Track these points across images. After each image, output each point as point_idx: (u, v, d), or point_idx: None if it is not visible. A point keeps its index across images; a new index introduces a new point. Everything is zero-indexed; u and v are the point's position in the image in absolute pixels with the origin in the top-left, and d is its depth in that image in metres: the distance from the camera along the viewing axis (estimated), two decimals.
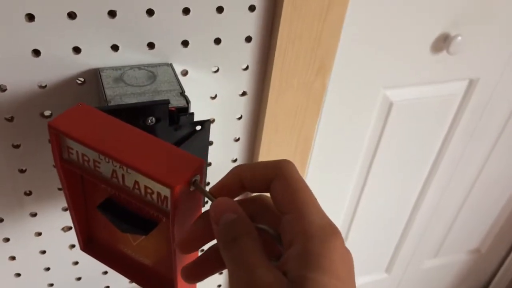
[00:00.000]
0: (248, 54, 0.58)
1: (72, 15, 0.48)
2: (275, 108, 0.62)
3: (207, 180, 0.64)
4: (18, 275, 0.66)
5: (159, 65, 0.54)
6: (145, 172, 0.36)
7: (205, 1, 0.52)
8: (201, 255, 0.36)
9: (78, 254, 0.67)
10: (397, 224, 1.15)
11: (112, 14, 0.49)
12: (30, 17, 0.47)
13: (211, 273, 0.36)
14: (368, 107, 0.85)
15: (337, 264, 0.28)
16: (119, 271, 0.50)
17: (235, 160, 0.68)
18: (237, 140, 0.66)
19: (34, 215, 0.61)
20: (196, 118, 0.58)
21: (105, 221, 0.46)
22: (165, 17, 0.51)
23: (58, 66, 0.50)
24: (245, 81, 0.60)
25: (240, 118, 0.64)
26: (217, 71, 0.58)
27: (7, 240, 0.62)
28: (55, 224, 0.63)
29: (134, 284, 0.76)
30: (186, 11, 0.52)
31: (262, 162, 0.34)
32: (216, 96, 0.60)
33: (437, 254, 1.30)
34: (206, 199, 0.36)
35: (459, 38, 0.79)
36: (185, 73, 0.56)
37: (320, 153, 0.85)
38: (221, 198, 0.33)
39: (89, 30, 0.49)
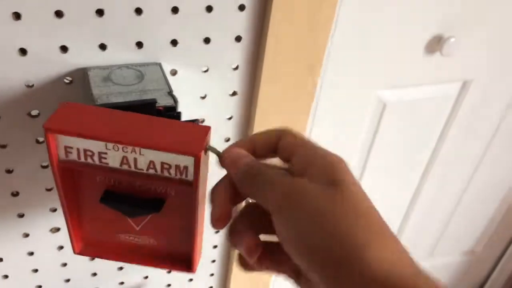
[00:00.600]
0: (238, 53, 0.57)
1: (59, 14, 0.48)
2: (266, 108, 0.61)
3: None
4: (6, 276, 0.65)
5: (148, 64, 0.54)
6: (166, 148, 0.38)
7: (194, 0, 0.51)
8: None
9: (67, 255, 0.66)
10: (391, 225, 1.14)
11: (99, 12, 0.49)
12: (17, 16, 0.46)
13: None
14: (361, 108, 0.85)
15: (348, 176, 0.32)
16: (122, 260, 0.51)
17: None
18: (227, 140, 0.66)
19: (21, 216, 0.60)
20: (185, 118, 0.58)
21: (101, 216, 0.47)
22: (154, 16, 0.51)
23: (45, 65, 0.50)
24: (235, 81, 0.60)
25: (230, 118, 0.63)
26: (206, 70, 0.57)
27: None
28: (43, 225, 0.62)
29: (124, 285, 0.75)
30: (175, 10, 0.51)
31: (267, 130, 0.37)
32: (206, 96, 0.60)
33: (431, 255, 1.30)
34: None
35: (453, 39, 0.79)
36: (174, 72, 0.56)
37: None
38: (231, 149, 0.37)
39: (76, 29, 0.49)
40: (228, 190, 0.36)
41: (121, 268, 0.72)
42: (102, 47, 0.51)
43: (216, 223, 0.36)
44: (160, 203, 0.43)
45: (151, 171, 0.40)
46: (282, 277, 0.37)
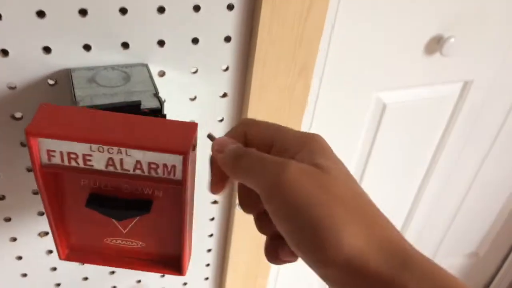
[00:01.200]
0: (228, 54, 0.56)
1: (41, 14, 0.46)
2: (257, 110, 0.60)
3: None
4: None
5: (134, 65, 0.52)
6: (153, 148, 0.38)
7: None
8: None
9: (56, 259, 0.65)
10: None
11: (83, 12, 0.48)
12: None
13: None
14: (361, 109, 0.84)
15: (333, 155, 0.33)
16: (109, 264, 0.50)
17: None
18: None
19: (8, 220, 0.59)
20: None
21: (87, 221, 0.46)
22: (139, 16, 0.49)
23: (28, 66, 0.49)
24: (226, 82, 0.58)
25: (221, 120, 0.62)
26: (196, 72, 0.56)
27: None
28: (31, 229, 0.61)
29: None
30: (161, 9, 0.50)
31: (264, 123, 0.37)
32: (195, 97, 0.58)
33: (434, 257, 1.28)
34: None
35: (452, 39, 0.78)
36: (162, 74, 0.55)
37: None
38: (220, 137, 0.36)
39: (59, 29, 0.48)
40: None
41: (113, 272, 0.71)
42: (87, 47, 0.50)
43: (212, 189, 0.37)
44: (148, 204, 0.43)
45: (138, 171, 0.40)
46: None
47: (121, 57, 0.52)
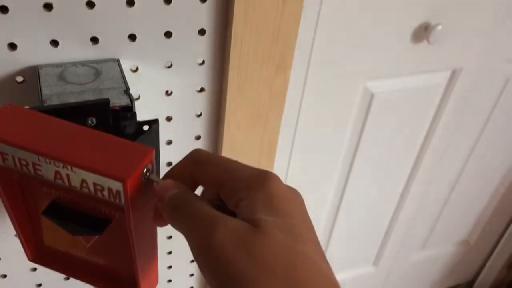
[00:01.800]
0: (202, 48, 0.54)
1: (4, 9, 0.45)
2: (236, 104, 0.59)
3: None
4: None
5: (105, 61, 0.51)
6: (92, 168, 0.34)
7: None
8: None
9: None
10: (383, 217, 1.13)
11: (48, 7, 0.46)
12: None
13: None
14: (349, 99, 0.83)
15: (280, 204, 0.29)
16: (75, 276, 0.48)
17: None
18: (198, 138, 0.63)
19: None
20: (150, 116, 0.55)
21: (53, 226, 0.44)
22: (108, 9, 0.48)
23: None
24: (202, 76, 0.57)
25: (199, 115, 0.60)
26: (170, 66, 0.54)
27: None
28: (8, 230, 0.60)
29: None
30: (130, 2, 0.48)
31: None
32: (171, 93, 0.57)
33: (424, 246, 1.29)
34: None
35: (440, 27, 0.76)
36: (135, 69, 0.53)
37: (302, 147, 0.83)
38: (164, 180, 0.33)
39: (23, 24, 0.46)
40: None
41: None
42: (54, 43, 0.48)
43: (155, 222, 0.36)
44: (104, 224, 0.40)
45: (85, 190, 0.37)
46: None
47: (91, 53, 0.50)
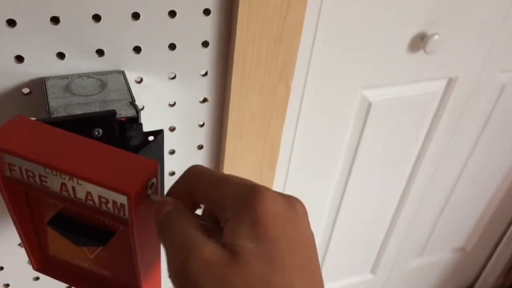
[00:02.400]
0: (206, 59, 0.55)
1: (11, 23, 0.45)
2: (238, 114, 0.59)
3: None
4: None
5: (110, 72, 0.51)
6: (98, 182, 0.35)
7: (156, 5, 0.49)
8: None
9: None
10: (380, 224, 1.13)
11: (55, 20, 0.47)
12: None
13: None
14: (346, 108, 0.83)
15: (266, 227, 0.27)
16: (78, 286, 0.48)
17: None
18: (201, 147, 0.63)
19: None
20: (154, 127, 0.56)
21: (58, 236, 0.44)
22: (113, 23, 0.49)
23: (0, 76, 0.48)
24: (205, 87, 0.57)
25: (202, 125, 0.61)
26: (174, 77, 0.55)
27: None
28: (12, 240, 0.60)
29: None
30: (135, 16, 0.49)
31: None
32: (175, 103, 0.57)
33: (422, 253, 1.29)
34: None
35: (436, 37, 0.77)
36: (140, 80, 0.54)
37: (300, 155, 0.83)
38: (162, 197, 0.33)
39: (31, 37, 0.47)
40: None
41: None
42: (60, 55, 0.49)
43: None
44: (108, 236, 0.40)
45: (90, 202, 0.37)
46: None
47: (96, 65, 0.51)
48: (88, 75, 0.50)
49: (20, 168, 0.38)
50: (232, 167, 0.65)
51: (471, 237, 1.32)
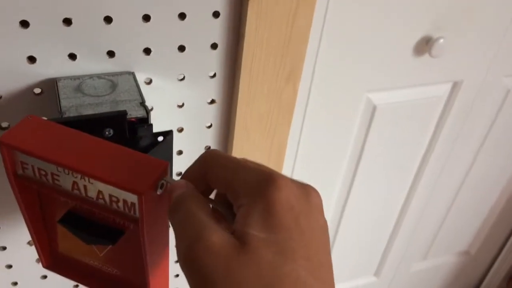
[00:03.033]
0: (214, 61, 0.56)
1: (24, 24, 0.46)
2: (246, 115, 0.60)
3: None
4: None
5: (121, 73, 0.52)
6: (109, 181, 0.35)
7: (166, 7, 0.50)
8: None
9: None
10: (385, 227, 1.13)
11: (67, 22, 0.47)
12: None
13: None
14: (351, 111, 0.84)
15: (279, 216, 0.27)
16: (87, 285, 0.49)
17: None
18: (208, 148, 0.64)
19: None
20: (163, 127, 0.57)
21: (68, 234, 0.45)
22: (124, 25, 0.49)
23: (13, 76, 0.49)
24: (213, 88, 0.58)
25: (210, 126, 0.62)
26: (183, 79, 0.56)
27: None
28: (20, 238, 0.61)
29: None
30: (146, 18, 0.50)
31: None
32: (183, 104, 0.58)
33: (426, 256, 1.29)
34: None
35: (441, 40, 0.78)
36: (149, 81, 0.55)
37: (305, 158, 0.84)
38: (177, 180, 0.33)
39: (43, 38, 0.47)
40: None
41: None
42: (72, 56, 0.50)
43: None
44: (118, 235, 0.40)
45: (101, 201, 0.38)
46: None
47: (107, 66, 0.51)
48: (99, 76, 0.51)
49: (32, 166, 0.39)
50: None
51: (475, 240, 1.32)
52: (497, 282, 1.42)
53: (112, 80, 0.51)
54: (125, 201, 0.37)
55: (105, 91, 0.50)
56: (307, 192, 0.29)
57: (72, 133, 0.40)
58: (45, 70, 0.49)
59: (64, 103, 0.47)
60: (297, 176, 0.86)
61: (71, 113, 0.46)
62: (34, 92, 0.51)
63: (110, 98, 0.49)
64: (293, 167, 0.85)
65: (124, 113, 0.46)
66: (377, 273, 1.25)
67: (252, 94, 0.59)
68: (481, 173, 1.11)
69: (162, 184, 0.35)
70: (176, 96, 0.57)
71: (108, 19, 0.49)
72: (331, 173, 0.92)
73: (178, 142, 0.61)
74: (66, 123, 0.42)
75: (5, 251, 0.61)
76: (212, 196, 0.34)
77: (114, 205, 0.37)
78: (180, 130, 0.60)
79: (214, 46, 0.55)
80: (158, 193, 0.35)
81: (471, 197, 1.17)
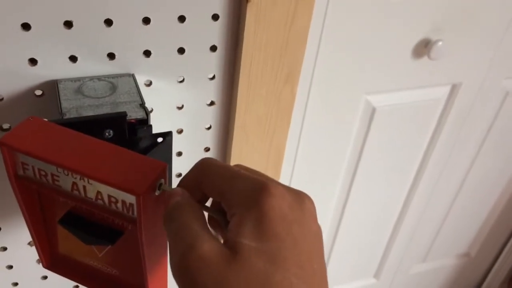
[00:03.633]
0: (214, 63, 0.56)
1: (26, 26, 0.47)
2: (244, 117, 0.60)
3: None
4: None
5: (121, 75, 0.53)
6: (108, 181, 0.36)
7: (166, 10, 0.50)
8: None
9: None
10: (384, 229, 1.14)
11: (68, 24, 0.48)
12: None
13: None
14: (351, 113, 0.84)
15: (271, 225, 0.27)
16: (87, 285, 0.49)
17: None
18: (207, 150, 0.65)
19: None
20: (162, 129, 0.57)
21: (68, 235, 0.45)
22: (125, 27, 0.50)
23: (14, 78, 0.49)
24: (213, 90, 0.59)
25: (209, 128, 0.62)
26: (182, 81, 0.56)
27: None
28: (21, 239, 0.62)
29: None
30: (146, 20, 0.50)
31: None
32: (183, 106, 0.59)
33: (425, 258, 1.29)
34: None
35: (440, 43, 0.78)
36: (149, 83, 0.55)
37: (304, 160, 0.84)
38: (173, 188, 0.33)
39: (44, 41, 0.48)
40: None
41: None
42: (73, 59, 0.50)
43: None
44: (117, 235, 0.41)
45: (100, 202, 0.38)
46: None
47: (107, 68, 0.52)
48: (99, 78, 0.52)
49: (33, 167, 0.40)
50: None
51: (475, 242, 1.32)
52: (496, 284, 1.42)
53: (112, 82, 0.52)
54: (123, 202, 0.37)
55: (105, 93, 0.50)
56: (300, 199, 0.30)
57: (72, 134, 0.40)
58: (46, 72, 0.50)
59: (64, 104, 0.48)
60: (296, 178, 0.87)
61: (72, 115, 0.47)
62: (35, 94, 0.51)
63: (110, 99, 0.49)
64: (292, 169, 0.86)
65: (124, 115, 0.47)
66: (376, 275, 1.25)
67: (251, 96, 0.59)
68: (480, 175, 1.11)
69: (160, 185, 0.35)
70: (176, 98, 0.58)
71: (108, 22, 0.49)
72: (330, 175, 0.92)
73: (177, 144, 0.62)
74: (66, 124, 0.43)
75: (6, 251, 0.62)
76: (208, 203, 0.34)
77: (113, 205, 0.38)
78: (180, 131, 0.61)
79: (213, 48, 0.55)
80: (156, 194, 0.35)
81: (470, 199, 1.17)
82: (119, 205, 0.37)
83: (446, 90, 0.91)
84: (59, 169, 0.38)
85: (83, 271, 0.48)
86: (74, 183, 0.39)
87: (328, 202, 0.97)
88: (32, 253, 0.64)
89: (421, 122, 0.94)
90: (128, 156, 0.38)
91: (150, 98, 0.55)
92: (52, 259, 0.50)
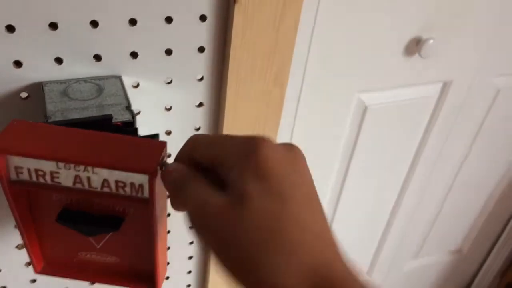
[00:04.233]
0: (202, 64, 0.56)
1: (10, 28, 0.46)
2: (233, 118, 0.60)
3: None
4: None
5: (107, 77, 0.52)
6: (119, 167, 0.37)
7: (153, 11, 0.50)
8: None
9: None
10: (376, 227, 1.14)
11: (53, 26, 0.47)
12: None
13: None
14: (342, 111, 0.84)
15: (270, 166, 0.29)
16: (84, 278, 0.49)
17: None
18: None
19: None
20: (151, 130, 0.57)
21: (60, 234, 0.46)
22: (111, 29, 0.49)
23: None
24: (201, 92, 0.58)
25: (198, 129, 0.62)
26: (170, 82, 0.56)
27: None
28: (9, 242, 0.61)
29: None
30: (132, 22, 0.50)
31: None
32: (171, 107, 0.58)
33: (418, 255, 1.30)
34: None
35: (431, 41, 0.78)
36: (136, 85, 0.55)
37: None
38: (170, 164, 0.35)
39: (29, 43, 0.47)
40: None
41: (93, 283, 0.71)
42: (58, 60, 0.50)
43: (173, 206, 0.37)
44: (119, 222, 0.42)
45: (106, 189, 0.39)
46: None
47: (93, 70, 0.51)
48: (85, 80, 0.51)
49: (28, 169, 0.39)
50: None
51: (467, 239, 1.33)
52: (489, 279, 1.43)
53: (98, 84, 0.51)
54: (132, 184, 0.38)
55: (92, 95, 0.49)
56: (290, 146, 0.32)
57: (61, 130, 0.41)
58: (31, 74, 0.49)
59: (50, 107, 0.47)
60: None
61: (57, 118, 0.46)
62: (21, 97, 0.51)
63: (96, 102, 0.49)
64: None
65: (109, 117, 0.46)
66: (369, 273, 1.26)
67: (240, 96, 0.59)
68: (472, 172, 1.12)
69: (164, 162, 0.37)
70: (164, 99, 0.57)
71: (94, 23, 0.48)
72: (322, 173, 0.92)
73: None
74: None
75: None
76: None
77: (121, 190, 0.39)
78: (168, 133, 0.60)
79: (201, 49, 0.55)
80: (161, 171, 0.37)
81: (462, 196, 1.17)
82: (128, 188, 0.38)
83: (437, 88, 0.91)
84: (60, 165, 0.38)
85: (78, 267, 0.49)
86: (76, 176, 0.39)
87: (320, 199, 0.96)
88: (21, 256, 0.63)
89: (412, 119, 0.94)
90: (125, 141, 0.39)
91: (137, 100, 0.55)
92: (45, 262, 0.50)
